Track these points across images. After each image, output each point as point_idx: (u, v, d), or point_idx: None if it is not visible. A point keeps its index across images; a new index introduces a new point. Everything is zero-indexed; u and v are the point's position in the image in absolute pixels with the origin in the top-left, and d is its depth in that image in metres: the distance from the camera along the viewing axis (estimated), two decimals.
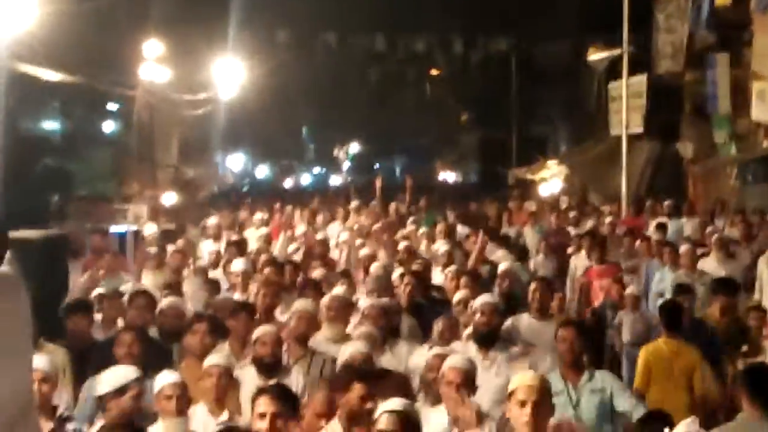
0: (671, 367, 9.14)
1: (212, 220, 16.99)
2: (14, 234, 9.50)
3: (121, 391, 6.59)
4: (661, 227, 16.60)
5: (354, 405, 6.25)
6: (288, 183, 42.12)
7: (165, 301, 9.61)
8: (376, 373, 6.99)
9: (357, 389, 6.34)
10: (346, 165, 52.75)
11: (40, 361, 7.11)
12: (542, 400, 5.93)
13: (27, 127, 28.15)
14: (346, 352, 7.38)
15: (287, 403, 5.89)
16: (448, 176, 45.35)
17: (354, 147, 55.38)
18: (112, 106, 32.52)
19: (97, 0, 24.01)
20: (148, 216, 20.15)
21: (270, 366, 7.74)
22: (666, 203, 19.11)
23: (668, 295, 11.80)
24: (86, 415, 7.51)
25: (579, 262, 14.61)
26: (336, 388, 6.45)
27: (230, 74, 31.08)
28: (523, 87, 41.59)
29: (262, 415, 5.74)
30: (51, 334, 8.80)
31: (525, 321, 9.42)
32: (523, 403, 5.87)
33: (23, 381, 4.30)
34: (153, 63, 26.85)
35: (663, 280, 13.19)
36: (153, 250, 14.28)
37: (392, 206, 20.78)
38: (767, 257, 13.17)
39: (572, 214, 19.93)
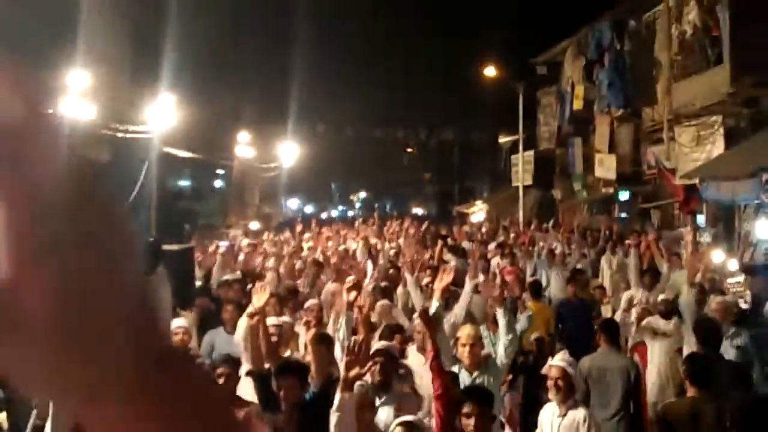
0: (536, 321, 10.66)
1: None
2: (165, 247, 13.25)
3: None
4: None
5: None
6: (324, 215, 51.84)
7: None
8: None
9: None
10: (357, 205, 68.84)
11: (181, 322, 8.64)
12: (476, 342, 7.59)
13: (171, 185, 36.03)
14: None
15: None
16: (419, 211, 58.30)
17: (362, 194, 72.95)
18: (220, 171, 43.59)
19: (210, 107, 35.17)
20: (242, 235, 23.46)
21: None
22: (545, 226, 22.36)
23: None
24: (204, 357, 8.48)
25: (495, 262, 16.10)
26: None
27: (290, 152, 44.19)
28: (461, 158, 58.16)
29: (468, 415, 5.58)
30: (185, 306, 10.59)
31: (474, 299, 10.45)
32: (464, 345, 7.57)
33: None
34: (243, 146, 39.40)
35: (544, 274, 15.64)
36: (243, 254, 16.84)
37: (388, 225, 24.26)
38: (607, 257, 16.22)
39: (489, 231, 24.35)
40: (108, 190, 0.63)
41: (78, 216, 0.60)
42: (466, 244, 20.49)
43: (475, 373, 7.36)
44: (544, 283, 14.81)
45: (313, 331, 7.59)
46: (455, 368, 7.30)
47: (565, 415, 6.81)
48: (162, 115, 22.92)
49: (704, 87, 19.98)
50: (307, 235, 20.52)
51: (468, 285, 10.35)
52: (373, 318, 9.15)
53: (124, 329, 0.61)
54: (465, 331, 7.79)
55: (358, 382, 5.85)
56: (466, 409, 5.70)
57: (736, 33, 18.23)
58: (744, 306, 10.47)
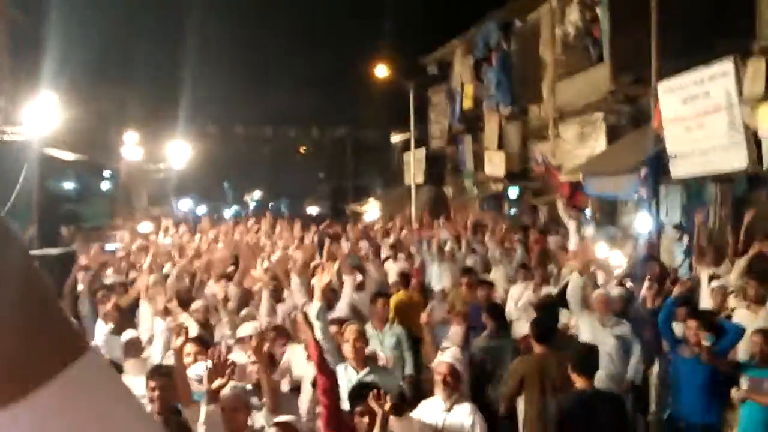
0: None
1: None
2: (43, 251, 13.34)
3: None
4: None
5: None
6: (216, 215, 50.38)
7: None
8: None
9: None
10: (252, 204, 67.50)
11: None
12: (359, 338, 7.70)
13: (54, 186, 33.90)
14: None
15: None
16: (313, 210, 57.88)
17: (257, 194, 71.36)
18: (106, 173, 41.84)
19: (95, 106, 33.99)
20: (129, 238, 22.78)
21: None
22: (436, 221, 21.71)
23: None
24: None
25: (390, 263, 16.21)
26: None
27: (180, 152, 43.14)
28: (354, 156, 58.77)
29: None
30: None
31: (361, 296, 11.10)
32: (347, 341, 7.69)
33: None
34: (131, 146, 38.04)
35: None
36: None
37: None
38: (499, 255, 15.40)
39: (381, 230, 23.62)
40: None
41: None
42: (363, 244, 20.07)
43: (362, 372, 7.40)
44: (434, 278, 14.91)
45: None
46: (341, 366, 7.33)
47: (450, 409, 6.77)
48: (42, 115, 22.02)
49: (586, 85, 20.46)
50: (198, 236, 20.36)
51: (348, 282, 10.82)
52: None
53: None
54: (349, 327, 7.89)
55: (230, 384, 5.92)
56: (358, 408, 5.77)
57: (615, 33, 18.70)
58: (625, 296, 10.55)
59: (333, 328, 8.05)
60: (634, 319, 9.70)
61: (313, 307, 7.70)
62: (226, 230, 22.12)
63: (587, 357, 7.43)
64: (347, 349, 7.62)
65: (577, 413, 7.07)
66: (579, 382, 7.18)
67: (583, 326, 9.30)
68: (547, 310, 10.05)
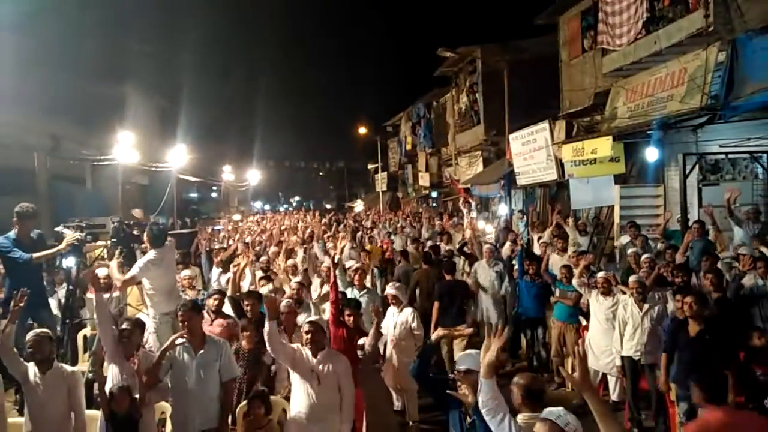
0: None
1: None
2: (178, 231, 13.00)
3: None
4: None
5: None
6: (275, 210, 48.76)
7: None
8: None
9: None
10: (294, 204, 63.53)
11: (188, 272, 8.18)
12: (362, 273, 7.41)
13: (185, 196, 33.37)
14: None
15: None
16: (328, 206, 54.99)
17: (296, 198, 68.77)
18: (214, 187, 39.73)
19: (204, 150, 32.61)
20: (226, 222, 22.38)
21: None
22: (396, 213, 23.03)
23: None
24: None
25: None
26: None
27: (254, 176, 42.13)
28: (349, 177, 56.70)
29: None
30: (189, 263, 9.59)
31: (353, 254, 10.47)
32: (354, 272, 7.34)
33: (174, 279, 6.08)
34: (227, 173, 37.51)
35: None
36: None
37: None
38: (426, 227, 16.47)
39: (365, 215, 24.29)
40: None
41: None
42: (352, 222, 20.49)
43: (361, 292, 7.08)
44: (397, 244, 13.68)
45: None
46: (349, 290, 7.08)
47: (401, 311, 6.41)
48: (177, 156, 22.16)
49: (471, 136, 20.52)
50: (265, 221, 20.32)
51: (348, 245, 10.52)
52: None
53: None
54: (355, 267, 7.58)
55: (285, 301, 5.90)
56: (347, 312, 5.65)
57: (486, 108, 18.81)
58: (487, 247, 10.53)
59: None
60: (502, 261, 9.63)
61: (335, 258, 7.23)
62: (280, 217, 22.30)
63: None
64: (354, 277, 7.33)
65: (445, 291, 7.60)
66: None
67: (479, 268, 8.95)
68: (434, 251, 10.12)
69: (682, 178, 9.19)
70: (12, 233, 5.86)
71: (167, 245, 5.94)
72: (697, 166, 9.77)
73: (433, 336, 4.59)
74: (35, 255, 5.72)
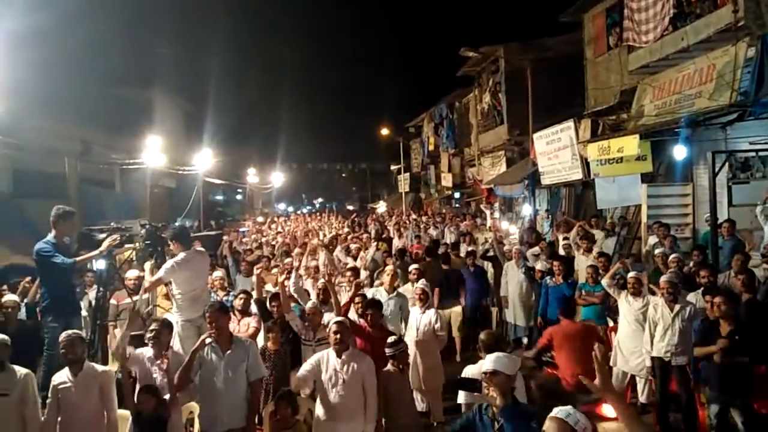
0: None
1: None
2: (204, 233, 13.02)
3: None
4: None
5: None
6: (297, 211, 48.94)
7: None
8: None
9: None
10: (317, 205, 63.98)
11: (219, 273, 8.21)
12: (393, 275, 7.26)
13: (211, 198, 33.44)
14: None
15: None
16: (350, 207, 54.95)
17: (319, 199, 68.44)
18: (239, 190, 40.15)
19: (230, 154, 32.15)
20: (251, 225, 22.71)
21: None
22: (420, 214, 23.47)
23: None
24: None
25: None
26: None
27: (278, 178, 42.89)
28: (371, 178, 56.36)
29: None
30: (217, 265, 9.75)
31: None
32: (388, 275, 7.21)
33: (202, 286, 5.97)
34: (252, 176, 37.68)
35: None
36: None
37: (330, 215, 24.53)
38: (449, 228, 16.41)
39: (388, 215, 24.27)
40: None
41: None
42: (374, 224, 20.44)
43: (391, 295, 6.98)
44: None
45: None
46: (376, 292, 7.00)
47: (424, 313, 6.40)
48: (204, 160, 22.50)
49: (494, 136, 20.38)
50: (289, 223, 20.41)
51: (372, 247, 10.61)
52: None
53: None
54: (388, 267, 7.70)
55: (311, 301, 5.96)
56: (368, 311, 5.69)
57: (509, 108, 18.64)
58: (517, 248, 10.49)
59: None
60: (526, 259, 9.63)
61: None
62: (303, 219, 22.40)
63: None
64: (385, 280, 7.26)
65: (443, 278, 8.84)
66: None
67: (509, 269, 9.26)
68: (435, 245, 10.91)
69: (711, 177, 8.98)
70: (51, 237, 5.71)
71: (200, 251, 5.90)
72: (726, 164, 9.54)
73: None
74: (78, 259, 5.68)
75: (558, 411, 2.60)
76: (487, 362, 3.38)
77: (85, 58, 20.40)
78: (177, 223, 10.10)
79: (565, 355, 5.79)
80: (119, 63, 23.63)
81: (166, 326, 4.72)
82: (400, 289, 7.27)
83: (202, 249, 6.10)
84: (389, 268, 7.55)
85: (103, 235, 5.88)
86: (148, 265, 5.93)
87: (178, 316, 5.64)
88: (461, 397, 4.39)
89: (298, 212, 45.23)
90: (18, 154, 13.69)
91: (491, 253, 10.34)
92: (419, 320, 6.39)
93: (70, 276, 5.86)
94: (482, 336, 4.69)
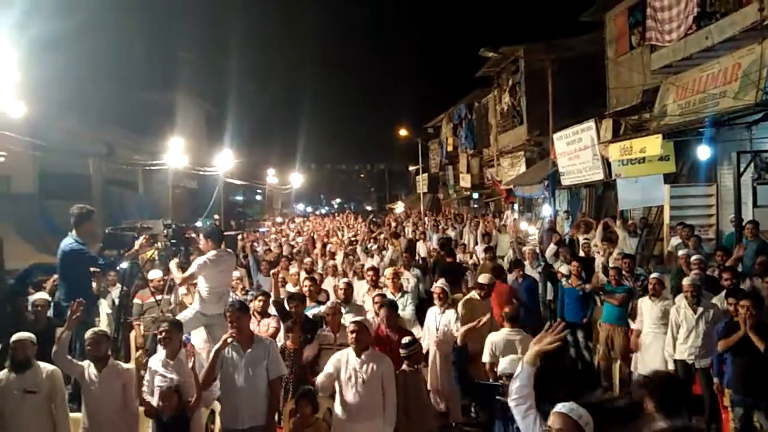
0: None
1: None
2: (226, 233, 12.99)
3: None
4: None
5: None
6: (316, 212, 49.40)
7: None
8: None
9: None
10: (335, 206, 64.27)
11: (236, 273, 8.07)
12: (394, 277, 7.35)
13: (231, 199, 33.74)
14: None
15: None
16: (368, 207, 56.04)
17: (338, 200, 68.72)
18: (259, 190, 40.26)
19: (250, 155, 32.83)
20: (271, 225, 22.89)
21: None
22: (439, 214, 23.25)
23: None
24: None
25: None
26: None
27: (297, 179, 43.09)
28: (389, 179, 54.95)
29: None
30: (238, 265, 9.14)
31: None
32: (388, 278, 7.34)
33: (229, 280, 6.21)
34: (271, 177, 38.08)
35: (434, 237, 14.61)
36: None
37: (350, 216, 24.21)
38: (468, 229, 15.02)
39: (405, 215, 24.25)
40: None
41: None
42: (393, 223, 20.51)
43: (397, 296, 7.07)
44: (434, 242, 13.57)
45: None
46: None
47: (443, 313, 6.33)
48: (224, 161, 22.73)
49: (514, 137, 20.27)
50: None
51: (391, 247, 10.62)
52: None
53: None
54: (388, 270, 7.70)
55: (329, 302, 6.01)
56: (382, 310, 5.75)
57: (529, 108, 18.53)
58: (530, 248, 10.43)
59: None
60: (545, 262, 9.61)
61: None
62: (321, 221, 22.48)
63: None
64: (387, 282, 7.38)
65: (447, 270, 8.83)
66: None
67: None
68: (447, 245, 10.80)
69: (736, 177, 8.84)
70: (76, 236, 5.68)
71: (228, 251, 6.02)
72: (751, 164, 9.39)
73: (459, 339, 5.07)
74: (122, 256, 5.82)
75: (561, 406, 2.66)
76: (504, 364, 3.38)
77: (110, 62, 20.77)
78: (207, 223, 10.16)
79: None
80: (142, 66, 23.97)
81: (177, 327, 4.72)
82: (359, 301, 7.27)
83: (230, 250, 6.23)
84: (389, 271, 7.55)
85: (130, 233, 5.95)
86: (173, 264, 6.01)
87: (198, 309, 5.73)
88: (503, 364, 4.11)
89: (317, 212, 45.46)
90: (44, 156, 13.95)
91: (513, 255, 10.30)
92: (438, 320, 6.34)
93: (90, 276, 5.94)
94: (506, 309, 5.58)
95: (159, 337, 4.59)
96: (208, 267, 5.68)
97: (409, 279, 8.53)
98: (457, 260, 10.15)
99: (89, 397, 4.33)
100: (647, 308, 6.41)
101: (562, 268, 8.63)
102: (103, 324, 6.66)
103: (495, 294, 6.85)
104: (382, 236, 14.00)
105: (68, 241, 5.71)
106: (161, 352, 4.64)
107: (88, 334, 4.47)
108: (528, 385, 2.84)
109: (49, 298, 6.47)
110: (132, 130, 19.19)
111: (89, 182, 16.60)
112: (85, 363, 4.41)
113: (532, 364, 2.84)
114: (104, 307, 7.24)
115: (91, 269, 5.98)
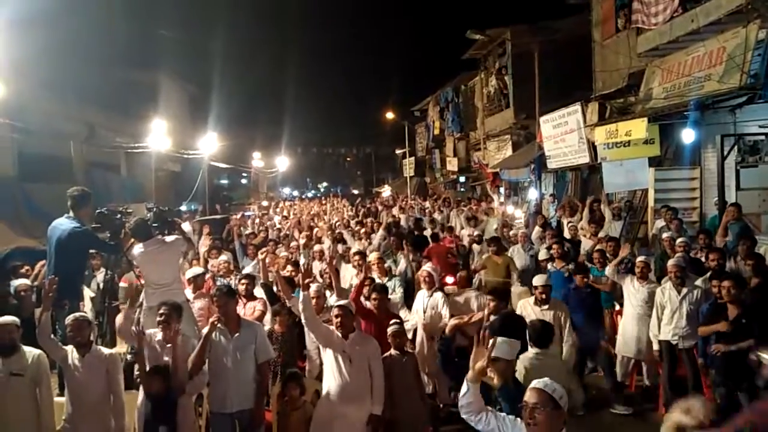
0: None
1: None
2: (210, 217, 12.70)
3: None
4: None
5: None
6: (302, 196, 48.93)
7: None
8: None
9: None
10: (322, 189, 65.20)
11: (224, 257, 8.13)
12: (378, 262, 7.43)
13: (216, 182, 33.35)
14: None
15: None
16: (355, 191, 55.27)
17: (324, 184, 68.60)
18: (244, 174, 39.63)
19: (235, 138, 32.42)
20: (256, 208, 22.48)
21: None
22: (426, 199, 23.21)
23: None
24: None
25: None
26: None
27: (283, 162, 41.80)
28: (376, 162, 54.87)
29: None
30: (220, 249, 9.16)
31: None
32: (373, 264, 7.35)
33: (176, 269, 5.92)
34: (257, 160, 37.42)
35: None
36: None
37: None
38: (455, 212, 15.51)
39: (393, 199, 24.29)
40: None
41: None
42: (380, 206, 20.57)
43: (384, 279, 7.01)
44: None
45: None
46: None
47: (431, 296, 6.34)
48: (209, 143, 22.43)
49: (500, 120, 20.30)
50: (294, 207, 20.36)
51: (380, 233, 10.58)
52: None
53: None
54: (373, 255, 7.73)
55: (314, 285, 5.95)
56: (373, 294, 5.72)
57: (515, 91, 18.57)
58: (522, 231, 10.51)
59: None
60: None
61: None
62: (308, 204, 22.39)
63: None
64: (373, 268, 7.33)
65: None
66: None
67: (515, 253, 9.13)
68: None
69: (720, 160, 8.93)
70: (75, 219, 5.51)
71: (167, 240, 5.69)
72: (735, 147, 9.47)
73: (447, 329, 4.95)
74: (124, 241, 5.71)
75: (537, 382, 2.78)
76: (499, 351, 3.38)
77: (90, 40, 20.31)
78: (192, 208, 10.03)
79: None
80: (124, 45, 23.58)
81: (176, 310, 4.66)
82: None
83: (165, 238, 5.83)
84: (373, 256, 7.59)
85: (119, 216, 5.80)
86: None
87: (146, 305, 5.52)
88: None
89: (303, 196, 45.21)
90: (23, 138, 13.65)
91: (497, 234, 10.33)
92: (426, 303, 6.37)
93: (86, 260, 5.80)
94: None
95: (157, 319, 4.54)
96: (142, 264, 5.53)
97: (400, 261, 8.51)
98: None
99: (72, 384, 4.29)
100: (633, 291, 6.46)
101: (541, 254, 8.56)
102: (87, 309, 6.57)
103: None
104: (370, 219, 13.99)
105: (69, 224, 5.51)
106: (157, 333, 4.60)
107: (69, 319, 4.40)
108: (476, 401, 3.00)
109: (31, 284, 6.35)
110: (114, 111, 18.81)
111: (71, 165, 16.29)
112: (69, 348, 4.37)
113: (474, 382, 2.99)
114: (87, 292, 7.14)
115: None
